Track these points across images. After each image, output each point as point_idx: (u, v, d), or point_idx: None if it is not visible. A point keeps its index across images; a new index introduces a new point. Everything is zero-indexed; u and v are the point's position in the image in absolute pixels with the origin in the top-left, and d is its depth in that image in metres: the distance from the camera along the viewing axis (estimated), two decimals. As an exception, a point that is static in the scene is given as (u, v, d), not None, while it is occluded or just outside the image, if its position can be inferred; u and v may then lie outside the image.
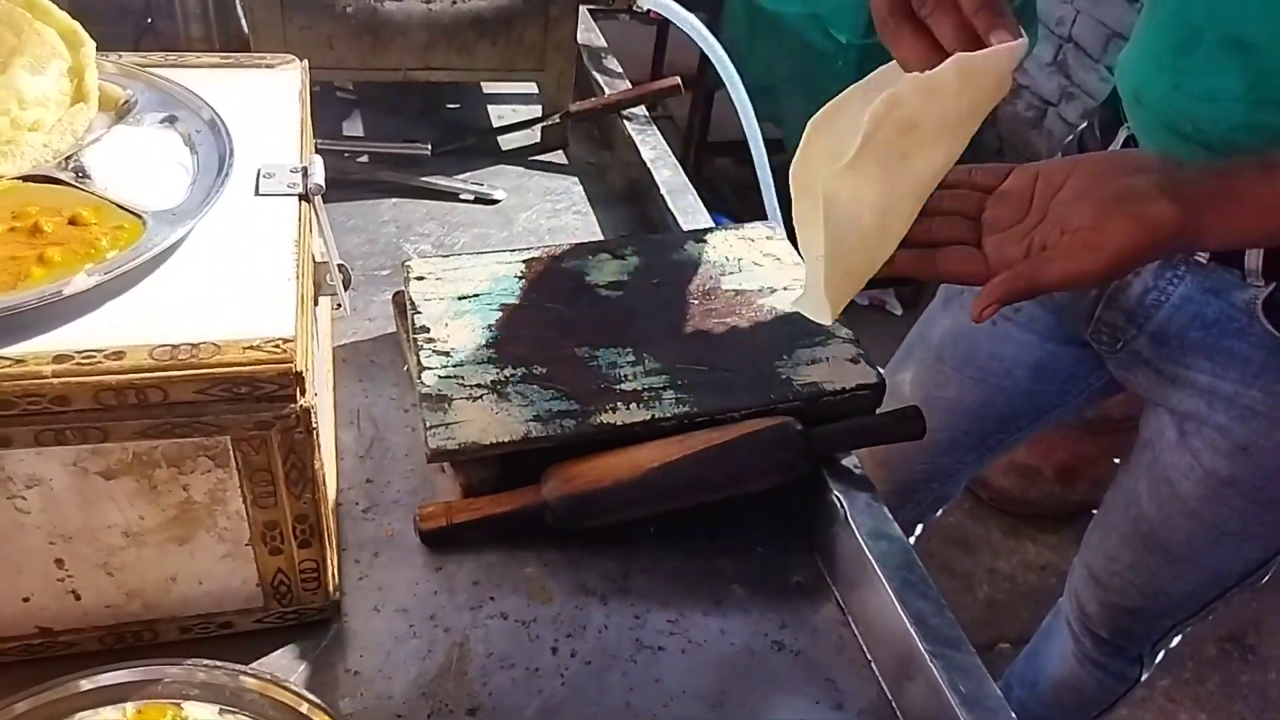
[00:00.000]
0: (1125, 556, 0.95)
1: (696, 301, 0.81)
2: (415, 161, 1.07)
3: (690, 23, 1.19)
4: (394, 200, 1.03)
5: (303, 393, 0.50)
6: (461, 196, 1.04)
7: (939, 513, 1.18)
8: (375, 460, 0.74)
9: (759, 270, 0.85)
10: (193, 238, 0.56)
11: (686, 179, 1.04)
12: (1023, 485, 1.88)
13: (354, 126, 1.14)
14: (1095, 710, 1.14)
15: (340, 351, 0.83)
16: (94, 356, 0.47)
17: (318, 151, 1.02)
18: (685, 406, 0.71)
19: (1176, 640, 1.04)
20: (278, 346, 0.49)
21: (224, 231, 0.57)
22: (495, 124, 1.18)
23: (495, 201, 1.05)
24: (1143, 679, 1.09)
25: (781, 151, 2.35)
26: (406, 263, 0.82)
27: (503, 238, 1.00)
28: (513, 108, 1.21)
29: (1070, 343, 0.92)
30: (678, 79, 1.12)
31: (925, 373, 1.03)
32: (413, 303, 0.78)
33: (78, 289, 0.49)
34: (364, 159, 1.07)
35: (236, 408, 0.49)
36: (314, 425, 0.52)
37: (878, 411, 0.75)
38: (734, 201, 2.61)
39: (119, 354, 0.47)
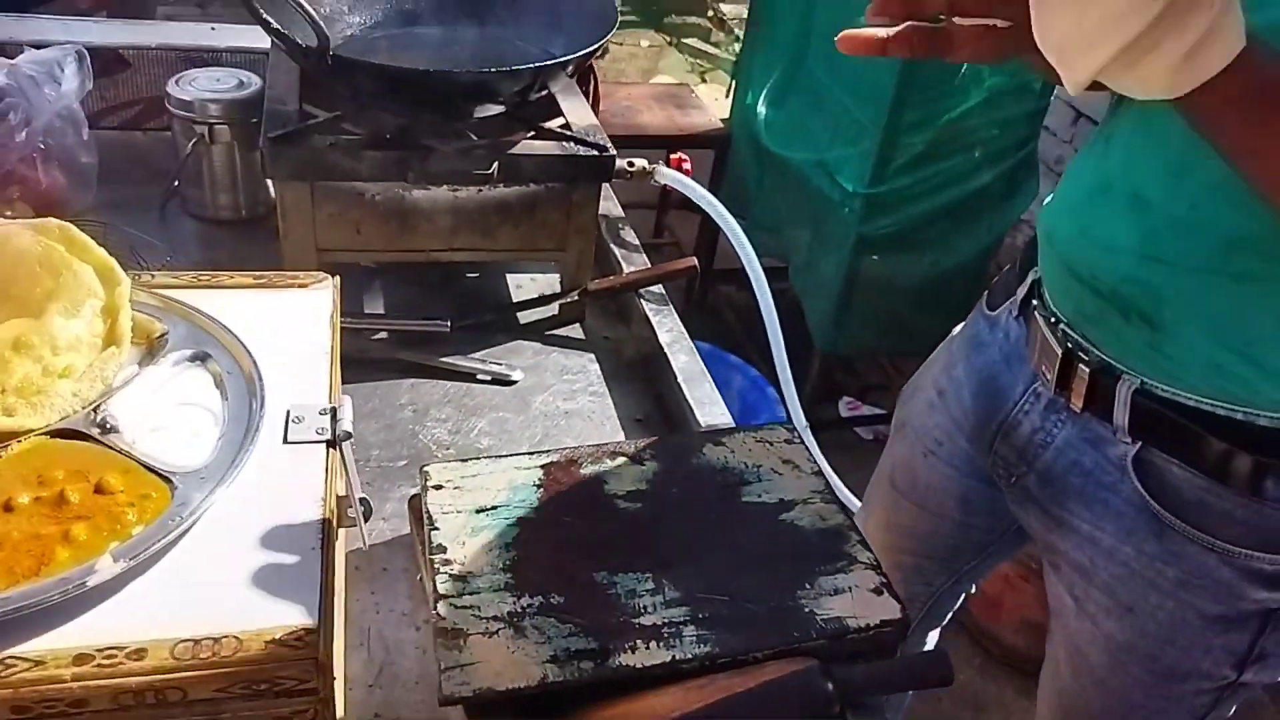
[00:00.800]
0: None
1: (716, 516, 0.80)
2: (434, 338, 1.07)
3: (705, 199, 1.22)
4: (412, 381, 1.03)
5: (323, 685, 0.48)
6: (479, 377, 1.04)
7: (946, 620, 1.18)
8: (384, 690, 0.72)
9: (778, 480, 0.84)
10: (218, 496, 0.55)
11: (702, 365, 1.04)
12: (1033, 643, 1.84)
13: (374, 298, 1.15)
14: None
15: (353, 557, 0.81)
16: (115, 656, 0.46)
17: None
18: (707, 646, 0.69)
19: None
20: (300, 640, 0.48)
21: (249, 485, 0.56)
22: (514, 293, 1.19)
23: (512, 382, 1.05)
24: None
25: (784, 279, 2.39)
26: (424, 468, 0.82)
27: (519, 422, 1.00)
28: (531, 277, 1.23)
29: (984, 480, 0.94)
30: (694, 261, 1.13)
31: (884, 499, 1.07)
32: (430, 517, 0.77)
33: (103, 578, 0.48)
34: (383, 335, 1.08)
35: (255, 704, 0.48)
36: (332, 714, 0.50)
37: (903, 652, 0.73)
38: (739, 330, 2.63)
39: (140, 653, 0.46)
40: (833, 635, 0.71)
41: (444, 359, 1.04)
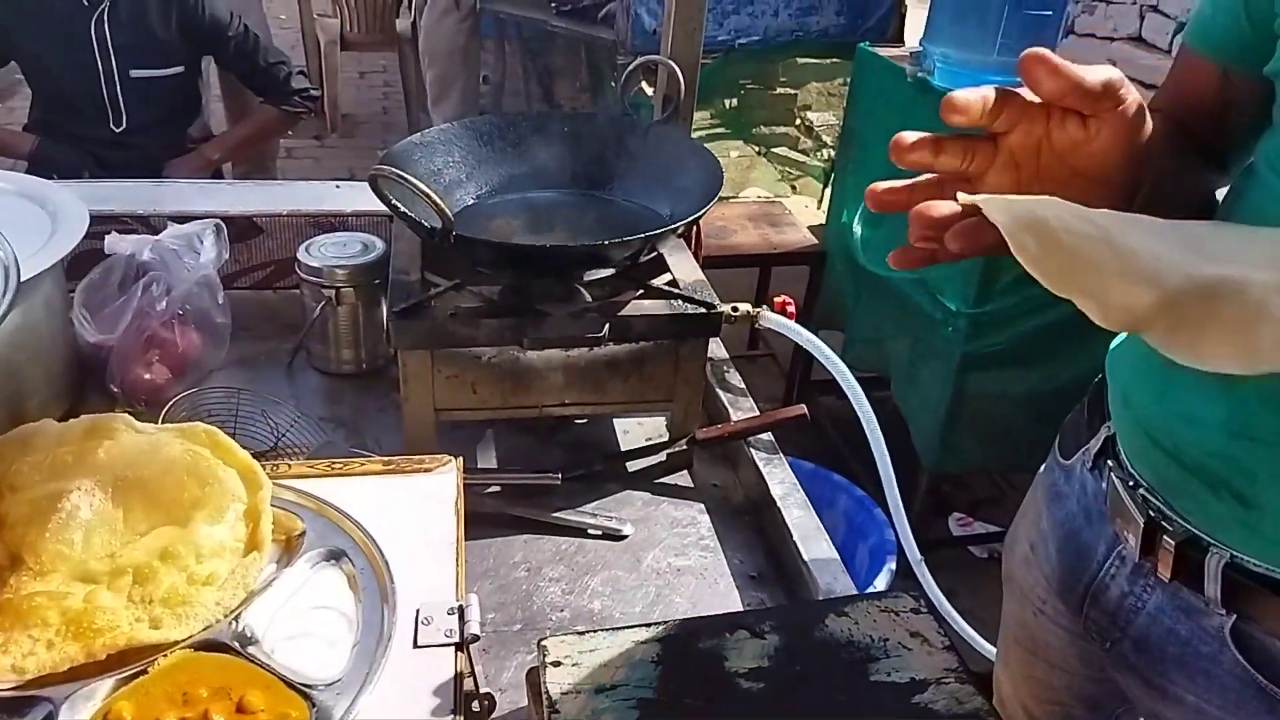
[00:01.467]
0: None
1: (844, 698, 0.77)
2: (545, 490, 1.08)
3: (811, 341, 1.21)
4: (525, 537, 1.03)
5: None
6: (590, 531, 1.04)
7: None
8: None
9: (907, 656, 0.81)
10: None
11: (818, 520, 1.02)
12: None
13: (485, 449, 1.17)
14: None
15: (473, 736, 0.81)
16: None
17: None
18: None
19: None
20: None
21: (383, 696, 0.56)
22: (621, 439, 1.20)
23: (623, 537, 1.04)
24: None
25: (884, 388, 2.34)
26: (541, 643, 0.81)
27: (631, 580, 0.99)
28: (638, 421, 1.23)
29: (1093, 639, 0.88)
30: (804, 409, 1.12)
31: (1014, 655, 1.02)
32: (549, 699, 0.76)
33: (247, 814, 0.48)
34: (495, 489, 1.09)
35: None
36: None
37: None
38: (840, 444, 2.59)
39: None
40: (977, 841, 0.67)
41: (555, 514, 1.05)
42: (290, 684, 0.55)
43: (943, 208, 0.56)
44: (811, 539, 0.99)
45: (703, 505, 1.11)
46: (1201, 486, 0.70)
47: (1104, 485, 0.82)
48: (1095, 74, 0.55)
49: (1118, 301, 0.49)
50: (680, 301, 1.05)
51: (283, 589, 0.62)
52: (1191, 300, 0.48)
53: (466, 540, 1.00)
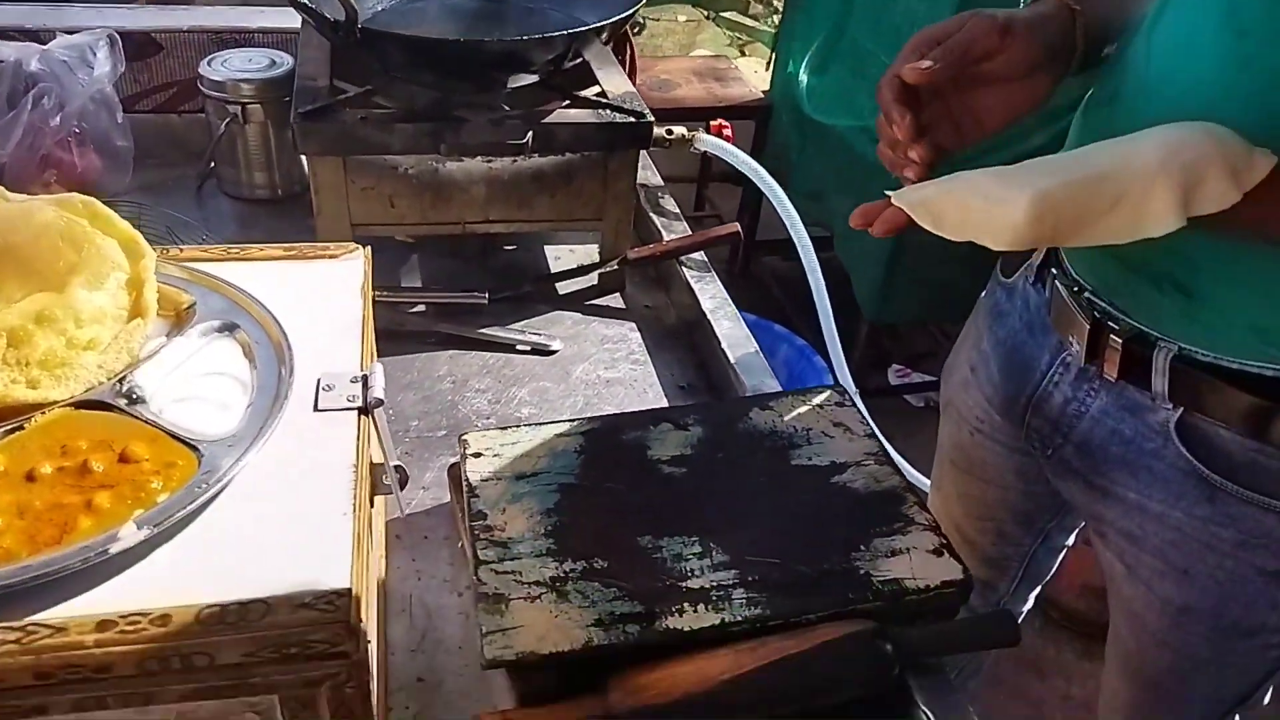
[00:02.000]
0: (1123, 692, 0.91)
1: (765, 480, 0.77)
2: (472, 310, 1.06)
3: (748, 164, 1.18)
4: (450, 352, 1.01)
5: (356, 649, 0.47)
6: (518, 348, 1.02)
7: (1047, 579, 1.14)
8: (427, 655, 0.70)
9: (829, 443, 0.81)
10: (247, 463, 0.53)
11: (747, 329, 1.01)
12: (1095, 606, 1.78)
13: (411, 271, 1.13)
14: None
15: (392, 526, 0.80)
16: (138, 622, 0.44)
17: (374, 303, 1.02)
18: (757, 609, 0.67)
19: None
20: (331, 603, 0.46)
21: (279, 454, 0.54)
22: (552, 264, 1.17)
23: (552, 352, 1.03)
24: None
25: (829, 249, 2.33)
26: (463, 436, 0.80)
27: (560, 391, 0.98)
28: (570, 248, 1.20)
29: (1029, 451, 0.90)
30: (737, 227, 1.10)
31: (949, 477, 1.04)
32: (469, 484, 0.76)
33: (125, 545, 0.46)
34: (420, 309, 1.06)
35: (286, 668, 0.46)
36: (367, 677, 0.48)
37: (966, 612, 0.69)
38: (784, 300, 2.59)
39: (165, 618, 0.45)
40: (890, 597, 0.68)
41: (482, 330, 1.03)
42: (178, 438, 0.53)
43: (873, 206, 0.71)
44: (740, 346, 0.98)
45: (634, 324, 1.09)
46: (1145, 283, 0.70)
47: (1047, 296, 0.81)
48: (955, 42, 0.66)
49: (1000, 224, 0.60)
50: (609, 111, 1.00)
51: (172, 356, 0.59)
52: (1059, 198, 0.58)
53: (387, 356, 0.99)
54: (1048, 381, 0.81)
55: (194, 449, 0.52)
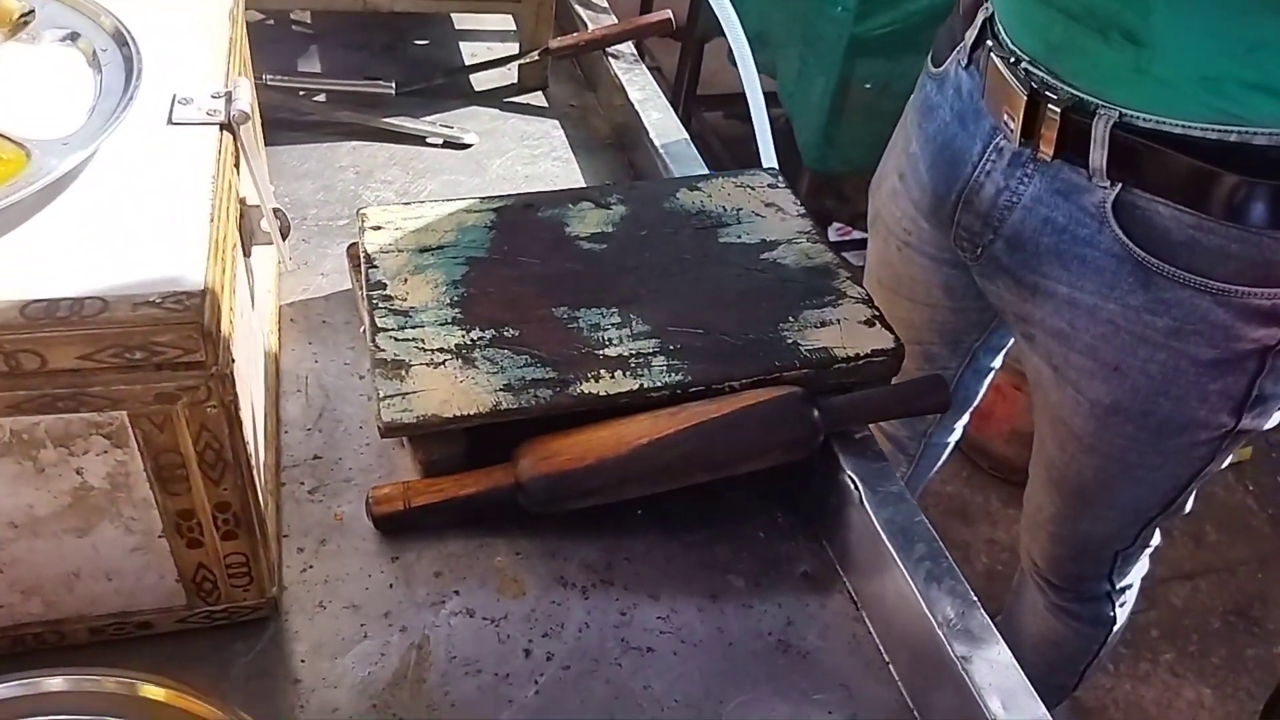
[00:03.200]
0: (1048, 505, 0.92)
1: (690, 257, 0.73)
2: (378, 101, 0.97)
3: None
4: (354, 143, 0.93)
5: (215, 359, 0.41)
6: (429, 140, 0.94)
7: (976, 403, 1.13)
8: (324, 434, 0.65)
9: (760, 222, 0.76)
10: (89, 173, 0.46)
11: (678, 121, 0.94)
12: (1022, 453, 1.81)
13: (311, 62, 1.03)
14: (1082, 662, 1.11)
15: (288, 311, 0.74)
16: (-51, 314, 0.38)
17: (268, 88, 0.93)
18: (678, 375, 0.63)
19: (1134, 572, 1.00)
20: (180, 302, 0.40)
21: (127, 166, 0.47)
22: (468, 62, 1.08)
23: (466, 146, 0.95)
24: (1118, 621, 1.05)
25: (775, 105, 2.25)
26: (361, 210, 0.73)
27: (474, 185, 0.91)
28: (487, 45, 1.11)
29: (958, 262, 0.87)
30: (669, 13, 1.02)
31: (878, 296, 1.01)
32: (368, 256, 0.69)
33: (-70, 230, 0.39)
34: (321, 98, 0.97)
35: (131, 376, 0.40)
36: (231, 398, 0.43)
37: (894, 380, 0.66)
38: (725, 157, 2.51)
39: (-19, 312, 0.38)
40: (818, 365, 0.64)
41: (389, 120, 0.94)
42: (6, 137, 0.45)
43: None
44: (669, 135, 0.91)
45: (557, 122, 1.01)
46: (1090, 34, 0.65)
47: (981, 77, 0.76)
48: None
49: None
50: None
51: (4, 59, 0.51)
52: None
53: (283, 145, 0.90)
54: (979, 172, 0.77)
55: (23, 147, 0.45)
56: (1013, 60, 0.72)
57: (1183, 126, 0.64)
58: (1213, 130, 0.63)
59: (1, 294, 0.39)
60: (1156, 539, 0.96)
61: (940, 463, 1.25)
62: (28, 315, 0.39)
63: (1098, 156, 0.68)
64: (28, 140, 0.46)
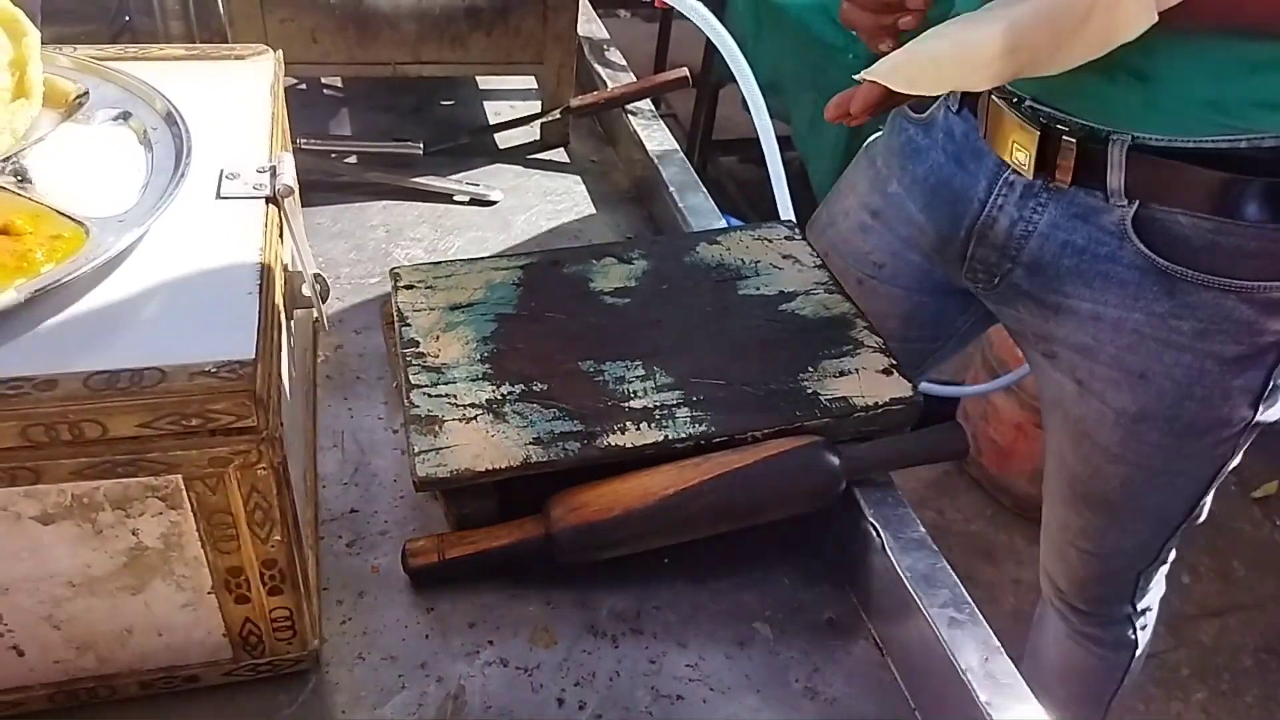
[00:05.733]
0: (1074, 521, 0.92)
1: (710, 309, 0.75)
2: (407, 162, 1.01)
3: (699, 12, 1.13)
4: (384, 203, 0.96)
5: (265, 424, 0.43)
6: (456, 198, 0.98)
7: None
8: (360, 488, 0.67)
9: (778, 274, 0.78)
10: (143, 248, 0.49)
11: (695, 176, 0.97)
12: (1047, 491, 1.81)
13: (342, 125, 1.07)
14: (1108, 691, 1.10)
15: (323, 368, 0.76)
16: (20, 387, 0.40)
17: (301, 151, 0.96)
18: (701, 426, 0.64)
19: (1152, 593, 1.01)
20: (234, 371, 0.42)
21: (179, 240, 0.50)
22: (492, 121, 1.12)
23: (492, 203, 0.98)
24: (1140, 645, 1.05)
25: (789, 149, 2.29)
26: (394, 270, 0.76)
27: (500, 241, 0.94)
28: (510, 104, 1.15)
29: (936, 291, 0.91)
30: (685, 71, 1.05)
31: None
32: (400, 313, 0.72)
33: (3, 307, 0.42)
34: (352, 159, 1.01)
35: (187, 443, 0.43)
36: (279, 460, 0.45)
37: (914, 428, 0.68)
38: (740, 200, 2.55)
39: (49, 383, 0.41)
40: (838, 415, 0.66)
41: (417, 180, 0.97)
42: (65, 214, 0.48)
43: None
44: (688, 191, 0.94)
45: (579, 177, 1.05)
46: (1097, 77, 0.67)
47: (978, 120, 0.79)
48: None
49: (975, 64, 0.61)
50: (545, -64, 0.94)
51: (62, 141, 0.54)
52: (1029, 24, 0.59)
53: (316, 206, 0.94)
54: (990, 208, 0.79)
55: (82, 225, 0.48)
56: (1015, 100, 0.74)
57: (1194, 142, 0.67)
58: (1223, 141, 0.66)
59: (66, 366, 0.42)
60: (1172, 555, 0.96)
61: None
62: (91, 386, 0.41)
63: (1115, 179, 0.70)
64: (86, 218, 0.48)
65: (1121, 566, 0.95)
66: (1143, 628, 1.04)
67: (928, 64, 0.63)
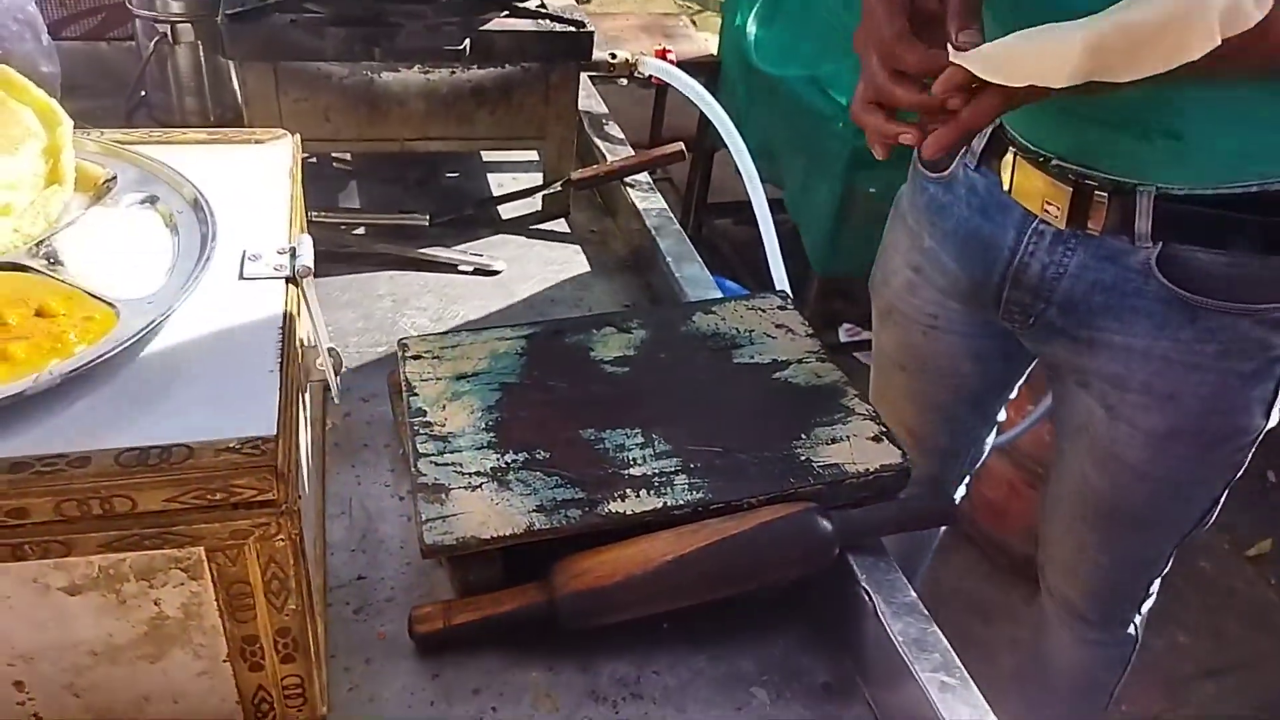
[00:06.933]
0: (1093, 538, 0.97)
1: (707, 378, 0.77)
2: (413, 233, 1.04)
3: (692, 87, 1.18)
4: (391, 273, 0.99)
5: (284, 498, 0.46)
6: (460, 268, 1.01)
7: (978, 465, 1.19)
8: (368, 554, 0.69)
9: (772, 343, 0.81)
10: (170, 327, 0.52)
11: (691, 246, 1.01)
12: (1042, 550, 1.82)
13: (350, 198, 1.11)
14: (1113, 682, 1.16)
15: (332, 435, 0.79)
16: (55, 464, 0.43)
17: (312, 223, 1.00)
18: (699, 493, 0.67)
19: (1154, 595, 1.07)
20: (257, 448, 0.45)
21: (204, 319, 0.53)
22: (495, 193, 1.16)
23: (495, 273, 1.01)
24: (1140, 635, 1.11)
25: (782, 211, 2.34)
26: (402, 341, 0.79)
27: (503, 310, 0.97)
28: (513, 176, 1.19)
29: (988, 332, 0.95)
30: (681, 145, 1.09)
31: (898, 381, 1.07)
32: (408, 383, 0.74)
33: (40, 388, 0.45)
34: (360, 231, 1.04)
35: (211, 515, 0.45)
36: (296, 532, 0.47)
37: (904, 494, 0.70)
38: (735, 262, 2.59)
39: (83, 460, 0.43)
40: (830, 481, 0.68)
41: (423, 250, 1.01)
42: (96, 296, 0.51)
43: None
44: (684, 261, 0.98)
45: (579, 247, 1.08)
46: (1130, 137, 0.73)
47: (1003, 175, 0.83)
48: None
49: (1057, 62, 0.61)
50: (548, 21, 0.99)
51: (91, 224, 0.57)
52: (1109, 32, 0.61)
53: (326, 277, 0.97)
54: (1022, 255, 0.84)
55: (112, 306, 0.51)
56: (1041, 159, 0.79)
57: (1214, 189, 0.72)
58: (1239, 187, 0.72)
59: (99, 443, 0.44)
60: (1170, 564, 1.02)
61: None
62: (122, 463, 0.43)
63: (1143, 225, 0.75)
64: (116, 299, 0.51)
65: (1136, 576, 1.01)
66: (1143, 622, 1.10)
67: (1014, 57, 0.63)
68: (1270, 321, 0.77)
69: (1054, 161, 0.78)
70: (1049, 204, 0.79)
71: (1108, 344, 0.82)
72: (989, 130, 0.84)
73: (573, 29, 0.98)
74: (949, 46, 0.64)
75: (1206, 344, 0.78)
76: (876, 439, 0.72)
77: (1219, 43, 0.60)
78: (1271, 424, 0.84)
